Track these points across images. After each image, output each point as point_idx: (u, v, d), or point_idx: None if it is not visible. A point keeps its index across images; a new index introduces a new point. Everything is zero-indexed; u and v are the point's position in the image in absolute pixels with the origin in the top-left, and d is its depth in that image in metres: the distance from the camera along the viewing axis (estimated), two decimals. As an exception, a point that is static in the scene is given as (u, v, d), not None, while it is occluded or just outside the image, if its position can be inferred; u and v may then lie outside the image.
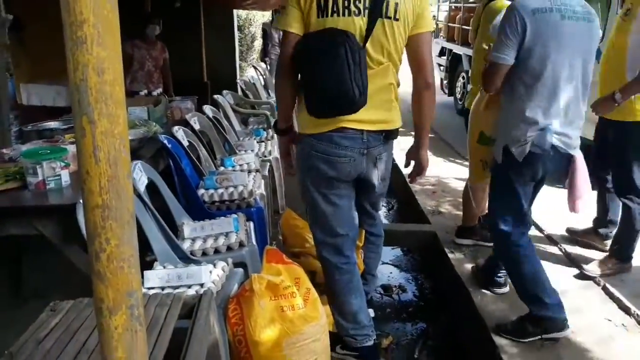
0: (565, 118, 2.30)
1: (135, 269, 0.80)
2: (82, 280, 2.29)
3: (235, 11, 8.05)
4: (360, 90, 1.91)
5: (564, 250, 3.38)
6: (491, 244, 3.19)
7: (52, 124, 3.04)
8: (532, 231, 3.68)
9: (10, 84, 5.63)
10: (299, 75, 2.02)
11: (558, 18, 2.17)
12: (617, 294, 2.83)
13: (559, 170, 2.45)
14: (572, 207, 2.46)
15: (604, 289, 2.91)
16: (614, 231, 3.22)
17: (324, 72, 1.88)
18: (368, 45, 1.98)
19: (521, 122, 2.29)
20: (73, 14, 0.68)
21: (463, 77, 7.50)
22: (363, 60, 1.92)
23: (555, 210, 4.02)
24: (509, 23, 2.18)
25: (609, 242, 3.27)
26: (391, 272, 3.89)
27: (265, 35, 8.49)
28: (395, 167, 5.14)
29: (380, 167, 2.25)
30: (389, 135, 2.20)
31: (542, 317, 2.45)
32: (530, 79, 2.24)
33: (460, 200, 4.30)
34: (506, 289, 2.90)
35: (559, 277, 3.08)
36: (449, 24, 8.23)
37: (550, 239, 3.56)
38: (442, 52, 8.64)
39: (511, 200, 2.43)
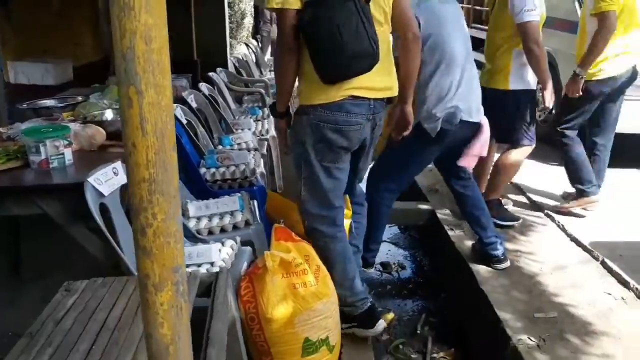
0: (468, 90, 2.63)
1: (181, 244, 0.78)
2: (84, 259, 2.28)
3: (225, -13, 7.90)
4: (376, 44, 1.95)
5: (561, 227, 3.42)
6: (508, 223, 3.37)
7: (49, 102, 2.97)
8: (530, 208, 3.74)
9: (-3, 62, 5.51)
10: (308, 47, 1.99)
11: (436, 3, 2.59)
12: (615, 268, 2.87)
13: (467, 137, 2.72)
14: (463, 161, 2.79)
15: (603, 263, 2.95)
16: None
17: (342, 31, 1.88)
18: (370, 4, 2.00)
19: (435, 99, 2.58)
20: (121, -22, 0.65)
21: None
22: (370, 16, 1.97)
23: (553, 187, 4.07)
24: None
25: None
26: (389, 250, 3.91)
27: (257, 12, 8.36)
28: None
29: (377, 133, 2.29)
30: (389, 101, 2.26)
31: None
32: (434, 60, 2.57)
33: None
34: (507, 264, 2.93)
35: (558, 253, 3.12)
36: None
37: (549, 216, 3.60)
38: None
39: (408, 170, 2.90)
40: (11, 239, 2.84)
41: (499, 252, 2.92)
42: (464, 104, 2.58)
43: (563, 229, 3.39)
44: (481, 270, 2.92)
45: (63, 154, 2.15)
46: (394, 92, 2.22)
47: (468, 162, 2.80)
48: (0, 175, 2.12)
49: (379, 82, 2.09)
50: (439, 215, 3.64)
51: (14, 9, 4.97)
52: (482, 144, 2.74)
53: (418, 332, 2.94)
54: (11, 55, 5.27)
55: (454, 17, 2.68)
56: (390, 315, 3.03)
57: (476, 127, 2.71)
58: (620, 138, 3.87)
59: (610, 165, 3.78)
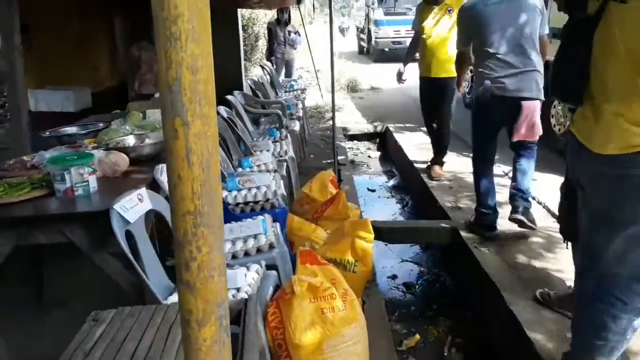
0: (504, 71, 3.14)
1: (224, 278, 0.76)
2: (105, 287, 2.27)
3: (239, 10, 8.00)
4: None
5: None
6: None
7: (71, 129, 2.99)
8: (557, 225, 3.66)
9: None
10: None
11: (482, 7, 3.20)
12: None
13: (512, 114, 3.12)
14: (513, 137, 3.19)
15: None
16: None
17: None
18: None
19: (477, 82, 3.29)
20: (167, 8, 0.64)
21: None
22: None
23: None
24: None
25: None
26: (412, 270, 3.86)
27: (271, 34, 8.43)
28: (409, 163, 5.12)
29: None
30: None
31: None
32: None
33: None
34: (496, 231, 3.29)
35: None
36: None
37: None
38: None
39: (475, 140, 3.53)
40: (34, 268, 2.84)
41: (487, 219, 3.42)
42: (496, 83, 3.11)
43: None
44: (508, 288, 2.85)
45: (87, 181, 2.15)
46: None
47: (518, 137, 3.17)
48: (25, 204, 2.13)
49: None
50: (462, 234, 3.59)
51: (34, 37, 5.05)
52: (527, 126, 3.08)
53: (445, 354, 2.87)
54: (32, 84, 5.34)
55: (499, 17, 3.14)
56: (416, 338, 2.99)
57: (515, 105, 3.08)
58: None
59: None
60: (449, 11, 4.43)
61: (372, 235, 2.41)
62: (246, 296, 1.75)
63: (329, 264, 2.10)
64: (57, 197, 2.15)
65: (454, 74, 4.06)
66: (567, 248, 2.56)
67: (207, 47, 0.68)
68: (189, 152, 0.68)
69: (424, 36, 4.53)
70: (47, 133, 2.92)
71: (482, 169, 3.46)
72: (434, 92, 4.62)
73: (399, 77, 4.88)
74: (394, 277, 3.73)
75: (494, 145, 3.43)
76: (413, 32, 4.81)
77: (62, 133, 2.89)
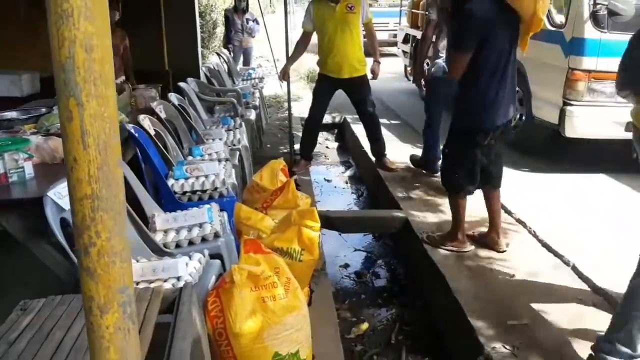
0: None
1: (128, 263, 0.74)
2: (48, 277, 2.20)
3: (196, -3, 7.85)
4: None
5: (533, 232, 3.45)
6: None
7: (10, 114, 2.88)
8: (505, 216, 3.76)
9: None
10: None
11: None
12: (586, 274, 2.90)
13: None
14: None
15: (574, 268, 2.98)
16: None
17: None
18: None
19: None
20: (57, -16, 0.61)
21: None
22: None
23: (524, 194, 4.11)
24: None
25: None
26: (363, 259, 3.89)
27: (228, 21, 8.30)
28: (365, 155, 5.14)
29: None
30: None
31: None
32: None
33: (430, 185, 4.35)
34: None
35: (530, 259, 3.14)
36: (413, 11, 8.24)
37: (520, 222, 3.63)
38: (405, 39, 8.65)
39: None
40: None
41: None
42: None
43: (535, 235, 3.41)
44: (454, 277, 2.92)
45: (23, 167, 2.08)
46: None
47: None
48: (-44, 191, 2.04)
49: None
50: (412, 223, 3.64)
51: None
52: None
53: (392, 341, 2.91)
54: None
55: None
56: (365, 325, 3.02)
57: None
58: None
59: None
60: (350, 8, 4.36)
61: (319, 224, 2.41)
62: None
63: (272, 252, 2.09)
64: (-10, 183, 2.07)
65: (362, 72, 4.50)
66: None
67: (103, 26, 0.65)
68: (84, 134, 0.66)
69: (326, 36, 4.45)
70: (-13, 118, 2.80)
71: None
72: (351, 92, 4.65)
73: (283, 75, 4.90)
74: (346, 266, 3.75)
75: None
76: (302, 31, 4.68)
77: (1, 118, 2.78)
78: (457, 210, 3.19)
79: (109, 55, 0.67)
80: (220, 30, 10.01)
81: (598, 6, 4.04)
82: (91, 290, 0.72)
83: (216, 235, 2.35)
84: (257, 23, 8.41)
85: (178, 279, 1.91)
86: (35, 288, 2.18)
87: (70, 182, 0.69)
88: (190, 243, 2.32)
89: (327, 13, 4.40)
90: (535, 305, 2.67)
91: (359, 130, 6.03)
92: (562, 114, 4.31)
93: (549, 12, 4.64)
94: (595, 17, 4.08)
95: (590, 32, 4.10)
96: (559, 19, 4.51)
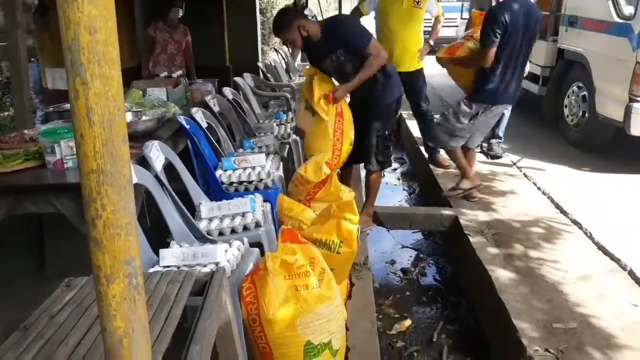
0: None
1: (133, 236, 0.78)
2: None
3: (257, -6, 8.00)
4: None
5: (589, 234, 3.29)
6: None
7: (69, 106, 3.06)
8: (560, 216, 3.62)
9: (36, 68, 5.71)
10: None
11: None
12: (644, 279, 2.74)
13: None
14: None
15: (630, 273, 2.83)
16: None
17: None
18: None
19: None
20: (63, -31, 0.65)
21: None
22: None
23: (583, 197, 3.93)
24: None
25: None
26: (411, 256, 3.85)
27: (288, 18, 8.40)
28: (418, 151, 5.07)
29: None
30: None
31: None
32: None
33: (483, 182, 4.24)
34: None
35: (584, 261, 3.01)
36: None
37: (576, 223, 3.47)
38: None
39: None
40: (35, 237, 2.92)
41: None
42: None
43: (590, 237, 3.26)
44: (501, 277, 2.84)
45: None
46: None
47: None
48: (18, 175, 2.20)
49: None
50: (461, 222, 3.56)
51: (53, 19, 5.15)
52: None
53: (434, 340, 2.87)
54: (50, 62, 5.47)
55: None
56: (407, 322, 3.00)
57: None
58: None
59: None
60: (417, 3, 4.29)
61: (357, 217, 2.41)
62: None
63: (309, 243, 2.12)
64: (47, 168, 2.21)
65: (419, 66, 4.46)
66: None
67: (107, 9, 0.69)
68: (90, 112, 0.71)
69: (388, 27, 4.39)
70: (51, 108, 2.99)
71: None
72: (407, 86, 4.46)
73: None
74: (392, 262, 3.73)
75: None
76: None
77: (63, 109, 2.96)
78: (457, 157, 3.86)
79: (114, 37, 0.71)
80: (280, 27, 10.14)
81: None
82: (98, 260, 0.77)
83: (257, 225, 2.40)
84: (317, 20, 8.46)
85: (217, 264, 1.97)
86: (88, 267, 2.31)
87: (79, 158, 0.73)
88: (233, 231, 2.39)
89: (393, 4, 4.34)
90: (585, 310, 2.55)
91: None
92: (627, 111, 4.08)
93: (617, 3, 4.41)
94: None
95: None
96: (628, 10, 4.27)
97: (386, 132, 3.38)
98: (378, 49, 3.21)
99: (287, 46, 8.07)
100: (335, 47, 3.16)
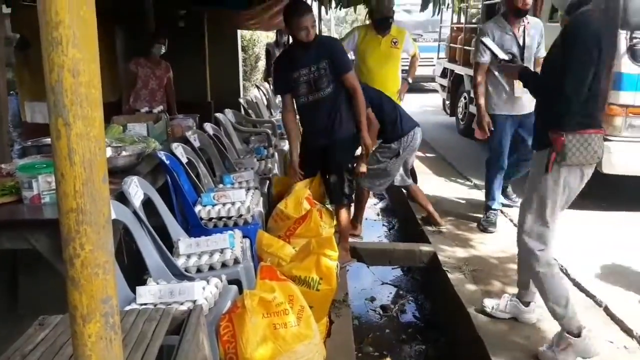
0: None
1: (111, 275, 0.78)
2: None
3: (239, 32, 8.13)
4: None
5: (564, 270, 3.33)
6: None
7: (48, 140, 3.04)
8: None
9: (15, 102, 5.69)
10: None
11: None
12: (619, 315, 2.77)
13: None
14: None
15: (606, 310, 2.86)
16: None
17: None
18: None
19: None
20: (49, 14, 0.67)
21: (465, 98, 7.51)
22: None
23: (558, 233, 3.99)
24: None
25: None
26: (390, 292, 3.84)
27: (269, 55, 8.54)
28: (397, 187, 5.12)
29: None
30: None
31: None
32: None
33: (461, 219, 4.29)
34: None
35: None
36: (451, 45, 8.28)
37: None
38: (443, 73, 8.67)
39: None
40: (8, 274, 2.86)
41: None
42: None
43: (566, 273, 3.30)
44: (479, 315, 2.85)
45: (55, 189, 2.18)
46: None
47: None
48: (-7, 210, 2.17)
49: None
50: (440, 258, 3.59)
51: (33, 54, 5.17)
52: None
53: (414, 378, 2.85)
54: (28, 96, 5.45)
55: None
56: (386, 360, 2.97)
57: None
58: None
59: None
60: (395, 43, 4.43)
61: (337, 253, 2.42)
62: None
63: (288, 280, 2.11)
64: (24, 204, 2.18)
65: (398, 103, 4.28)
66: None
67: (91, 52, 0.71)
68: (71, 152, 0.72)
69: (367, 66, 4.45)
70: (29, 143, 2.97)
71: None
72: None
73: None
74: (372, 299, 3.71)
75: None
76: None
77: (42, 143, 2.94)
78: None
79: (96, 79, 0.73)
80: (262, 64, 10.30)
81: (635, 40, 3.97)
82: (75, 299, 0.77)
83: (236, 261, 2.39)
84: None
85: (194, 302, 1.95)
86: (62, 305, 2.26)
87: (58, 196, 0.74)
88: (211, 268, 2.37)
89: (372, 43, 4.44)
90: (562, 346, 2.56)
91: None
92: (599, 150, 4.21)
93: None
94: (633, 52, 4.01)
95: (627, 66, 4.02)
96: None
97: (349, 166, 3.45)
98: (355, 81, 3.33)
99: (268, 82, 8.18)
100: (320, 58, 3.19)
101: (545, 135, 2.31)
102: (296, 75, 3.26)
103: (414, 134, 3.80)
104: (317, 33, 3.26)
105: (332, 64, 3.19)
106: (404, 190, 4.45)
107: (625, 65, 4.02)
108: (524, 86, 2.58)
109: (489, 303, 2.82)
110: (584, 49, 2.17)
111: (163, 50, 5.21)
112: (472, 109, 7.04)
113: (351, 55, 4.72)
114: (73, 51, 0.69)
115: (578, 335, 2.36)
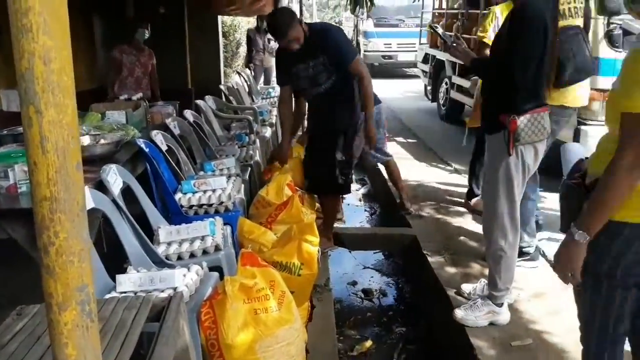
0: None
1: (87, 263, 0.78)
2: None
3: (220, 17, 8.04)
4: None
5: (542, 252, 3.40)
6: None
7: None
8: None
9: (-10, 90, 5.57)
10: None
11: None
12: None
13: None
14: None
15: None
16: None
17: None
18: None
19: None
20: (17, 1, 0.67)
21: (446, 84, 7.55)
22: None
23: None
24: None
25: None
26: (372, 277, 3.88)
27: (250, 41, 8.48)
28: (378, 172, 5.14)
29: None
30: None
31: None
32: None
33: (441, 204, 4.34)
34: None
35: (538, 279, 3.10)
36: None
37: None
38: (425, 59, 8.69)
39: None
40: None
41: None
42: None
43: (543, 255, 3.37)
44: (458, 297, 2.90)
45: (32, 178, 2.15)
46: None
47: None
48: (-31, 200, 2.13)
49: None
50: (420, 242, 3.63)
51: (6, 39, 5.04)
52: None
53: (395, 359, 2.90)
54: (4, 84, 5.34)
55: None
56: (368, 343, 3.01)
57: None
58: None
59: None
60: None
61: (318, 239, 2.44)
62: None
63: (269, 266, 2.13)
64: (0, 193, 2.15)
65: None
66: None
67: (63, 39, 0.70)
68: (43, 140, 0.71)
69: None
70: (5, 132, 2.92)
71: None
72: None
73: None
74: (353, 283, 3.75)
75: None
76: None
77: (18, 132, 2.89)
78: None
79: (68, 67, 0.72)
80: (243, 50, 10.22)
81: (612, 25, 4.02)
82: (50, 287, 0.77)
83: (217, 249, 2.39)
84: (278, 43, 8.56)
85: (175, 289, 1.95)
86: (40, 295, 2.25)
87: (32, 185, 0.74)
88: (192, 255, 2.37)
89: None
90: (540, 327, 2.63)
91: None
92: (576, 134, 4.27)
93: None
94: (610, 37, 4.06)
95: (605, 51, 4.08)
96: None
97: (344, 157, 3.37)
98: (362, 68, 3.18)
99: (249, 69, 8.13)
100: (318, 53, 3.10)
101: (497, 118, 2.37)
102: (294, 71, 3.23)
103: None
104: (306, 29, 3.11)
105: (330, 58, 3.10)
106: (384, 171, 4.44)
107: (603, 50, 4.08)
108: (475, 73, 2.62)
109: (466, 288, 2.88)
110: (530, 31, 2.23)
111: (147, 35, 5.14)
112: (454, 94, 7.09)
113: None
114: (44, 38, 0.68)
115: (501, 305, 2.63)
